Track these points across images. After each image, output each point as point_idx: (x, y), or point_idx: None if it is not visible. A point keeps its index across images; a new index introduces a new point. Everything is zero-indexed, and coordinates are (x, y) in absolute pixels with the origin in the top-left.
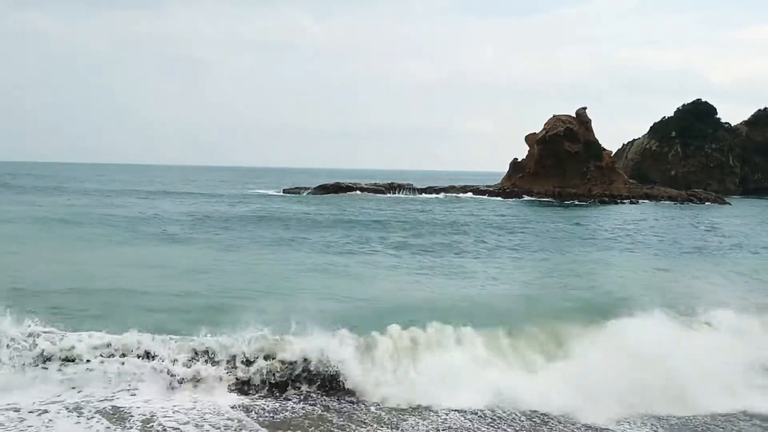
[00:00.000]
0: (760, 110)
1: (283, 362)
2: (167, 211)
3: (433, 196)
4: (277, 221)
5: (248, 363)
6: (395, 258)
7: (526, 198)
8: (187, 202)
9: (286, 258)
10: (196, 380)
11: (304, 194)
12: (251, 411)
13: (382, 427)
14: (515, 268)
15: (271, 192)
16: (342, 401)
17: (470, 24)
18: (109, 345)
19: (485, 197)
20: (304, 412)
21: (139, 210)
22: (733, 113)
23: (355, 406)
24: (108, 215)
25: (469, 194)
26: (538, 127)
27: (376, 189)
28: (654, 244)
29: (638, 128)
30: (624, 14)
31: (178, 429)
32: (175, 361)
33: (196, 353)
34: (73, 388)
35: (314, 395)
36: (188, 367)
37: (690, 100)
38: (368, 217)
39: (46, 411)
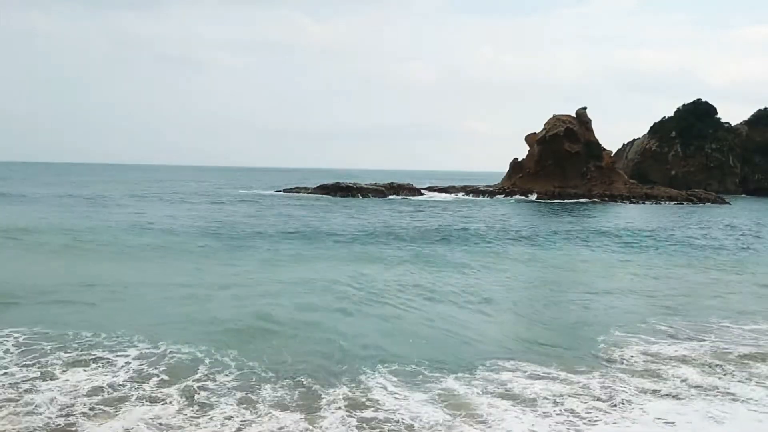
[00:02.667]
0: (760, 110)
1: None
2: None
3: (437, 197)
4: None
5: None
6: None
7: (522, 198)
8: (196, 206)
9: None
10: None
11: (304, 194)
12: None
13: None
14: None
15: (270, 192)
16: None
17: (469, 24)
18: None
19: (498, 198)
20: None
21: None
22: (731, 113)
23: None
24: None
25: (479, 195)
26: (538, 127)
27: (376, 189)
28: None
29: (637, 128)
30: (622, 15)
31: None
32: None
33: None
34: None
35: None
36: None
37: (689, 100)
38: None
39: None
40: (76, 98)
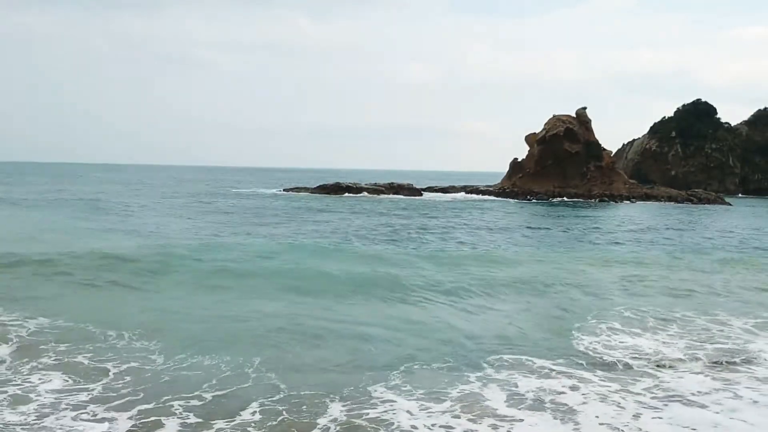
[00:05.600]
0: (760, 110)
1: None
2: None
3: (436, 197)
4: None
5: None
6: None
7: (522, 198)
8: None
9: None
10: None
11: (304, 194)
12: None
13: None
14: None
15: (272, 191)
16: None
17: (468, 25)
18: None
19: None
20: None
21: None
22: (730, 113)
23: None
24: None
25: (479, 195)
26: (538, 127)
27: (376, 189)
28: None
29: (637, 128)
30: (621, 15)
31: None
32: None
33: None
34: None
35: None
36: None
37: (689, 100)
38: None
39: None
40: (75, 98)
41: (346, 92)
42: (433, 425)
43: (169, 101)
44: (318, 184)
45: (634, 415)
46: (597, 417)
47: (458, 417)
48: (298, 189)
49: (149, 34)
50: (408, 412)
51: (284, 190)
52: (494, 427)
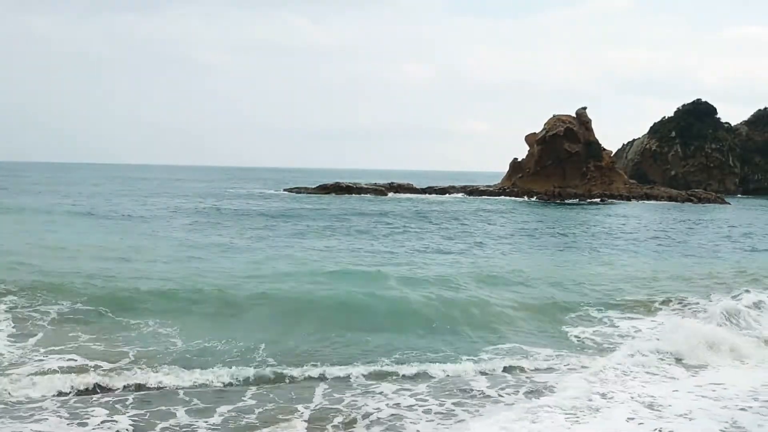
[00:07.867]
0: (760, 110)
1: None
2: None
3: (436, 197)
4: None
5: None
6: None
7: (522, 198)
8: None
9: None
10: None
11: (304, 194)
12: None
13: None
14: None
15: (272, 191)
16: None
17: (466, 26)
18: None
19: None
20: None
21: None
22: (730, 114)
23: None
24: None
25: (478, 195)
26: (537, 127)
27: (376, 189)
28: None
29: (636, 129)
30: (620, 15)
31: None
32: None
33: None
34: None
35: None
36: None
37: (688, 101)
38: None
39: None
40: (76, 100)
41: (346, 92)
42: (396, 404)
43: (168, 102)
44: (318, 184)
45: (601, 393)
46: (569, 392)
47: (428, 398)
48: (298, 189)
49: (148, 34)
50: (382, 393)
51: (285, 190)
52: (459, 404)
